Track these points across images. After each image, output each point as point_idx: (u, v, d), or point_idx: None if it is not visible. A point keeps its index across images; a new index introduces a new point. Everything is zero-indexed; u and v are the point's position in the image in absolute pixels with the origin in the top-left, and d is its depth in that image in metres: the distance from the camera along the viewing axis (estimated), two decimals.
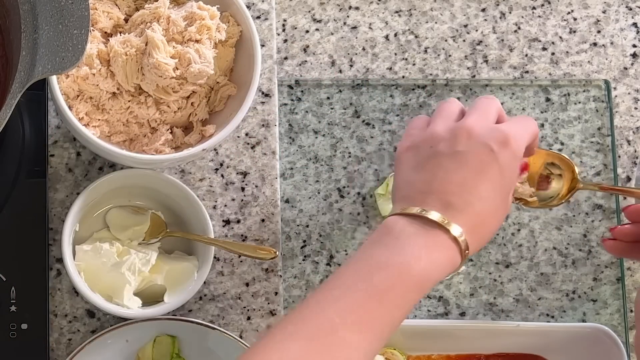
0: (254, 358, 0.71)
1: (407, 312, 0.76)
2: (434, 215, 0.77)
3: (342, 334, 0.72)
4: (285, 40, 1.02)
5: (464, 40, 1.03)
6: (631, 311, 0.99)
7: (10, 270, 0.92)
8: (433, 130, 0.83)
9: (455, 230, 0.77)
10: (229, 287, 0.95)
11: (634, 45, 1.04)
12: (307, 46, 1.03)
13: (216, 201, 0.96)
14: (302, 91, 1.01)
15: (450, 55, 1.03)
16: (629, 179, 1.02)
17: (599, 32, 1.04)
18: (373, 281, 0.74)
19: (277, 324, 0.76)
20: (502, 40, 1.04)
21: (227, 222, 0.96)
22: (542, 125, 1.01)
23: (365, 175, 1.00)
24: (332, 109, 1.01)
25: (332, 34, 1.03)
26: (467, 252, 0.78)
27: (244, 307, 0.95)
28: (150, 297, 0.92)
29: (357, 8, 1.03)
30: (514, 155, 0.80)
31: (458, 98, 1.01)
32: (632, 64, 1.04)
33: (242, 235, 0.96)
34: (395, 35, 1.03)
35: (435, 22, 1.04)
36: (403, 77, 1.02)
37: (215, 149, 0.97)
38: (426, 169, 0.81)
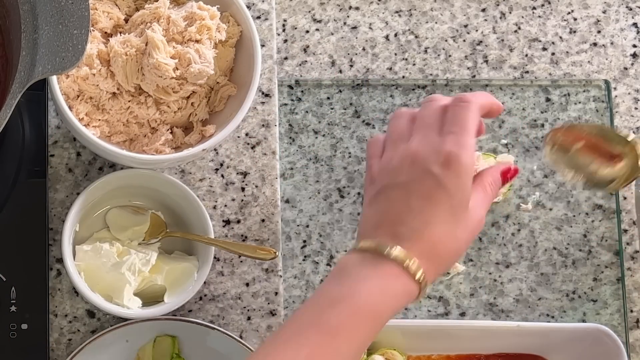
0: None
1: (362, 345, 0.76)
2: (382, 248, 0.78)
3: None
4: (286, 41, 1.02)
5: (464, 40, 1.03)
6: (631, 311, 0.99)
7: (10, 270, 0.92)
8: (383, 161, 0.83)
9: (400, 256, 0.77)
10: (229, 287, 0.95)
11: (634, 45, 1.04)
12: (307, 46, 1.03)
13: (216, 201, 0.96)
14: (302, 91, 1.01)
15: (450, 55, 1.03)
16: None
17: (599, 32, 1.04)
18: (324, 318, 0.75)
19: None
20: (502, 40, 1.04)
21: (227, 222, 0.96)
22: (542, 125, 1.01)
23: (365, 175, 1.00)
24: (332, 109, 1.01)
25: (332, 34, 1.03)
26: (423, 279, 0.78)
27: (244, 307, 0.95)
28: (150, 297, 0.92)
29: (357, 8, 1.03)
30: (458, 173, 0.79)
31: None
32: (632, 64, 1.04)
33: (242, 235, 0.96)
34: (396, 35, 1.03)
35: (436, 22, 1.04)
36: (403, 77, 1.02)
37: (215, 149, 0.97)
38: (377, 202, 0.81)
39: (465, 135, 0.81)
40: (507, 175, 0.86)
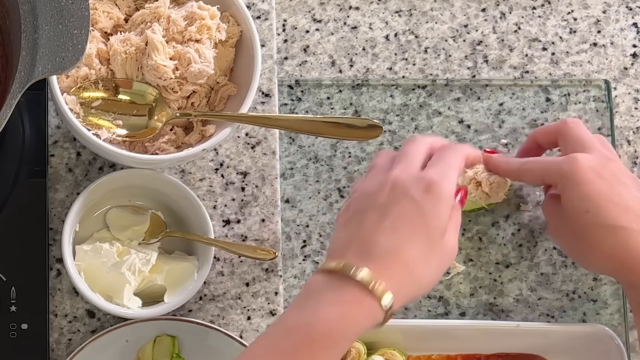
0: None
1: None
2: (348, 269, 0.75)
3: None
4: (286, 40, 1.02)
5: (464, 40, 1.03)
6: (631, 311, 0.99)
7: (10, 270, 0.92)
8: (362, 187, 0.82)
9: (366, 278, 0.75)
10: (229, 287, 0.95)
11: (634, 45, 1.04)
12: (307, 46, 1.03)
13: (216, 201, 0.96)
14: (302, 91, 1.01)
15: (450, 55, 1.03)
16: None
17: (599, 32, 1.04)
18: (281, 346, 0.74)
19: None
20: (502, 40, 1.04)
21: (227, 222, 0.96)
22: (542, 125, 1.01)
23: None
24: (332, 109, 1.01)
25: (332, 34, 1.03)
26: (389, 303, 0.75)
27: (244, 307, 0.95)
28: (150, 297, 0.92)
29: (357, 8, 1.03)
30: (438, 199, 0.79)
31: (458, 98, 1.01)
32: (632, 64, 1.04)
33: (242, 235, 0.96)
34: (396, 35, 1.03)
35: (436, 22, 1.04)
36: (403, 77, 1.02)
37: (215, 149, 0.97)
38: (351, 224, 0.80)
39: (449, 168, 0.81)
40: (462, 199, 0.85)
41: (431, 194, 0.79)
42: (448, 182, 0.80)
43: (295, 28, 1.03)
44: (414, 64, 1.03)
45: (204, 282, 0.92)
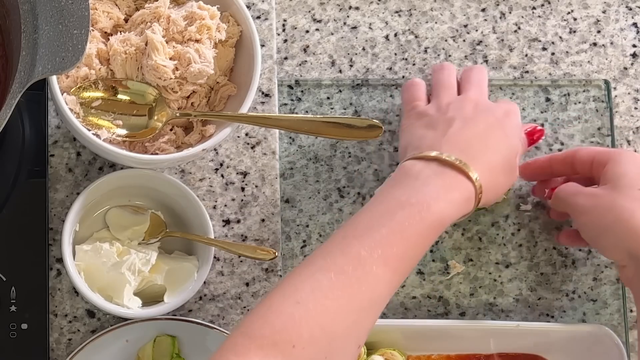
0: (287, 289, 0.76)
1: (426, 248, 0.81)
2: (451, 157, 0.84)
3: (369, 267, 0.77)
4: (285, 40, 1.02)
5: (464, 40, 1.03)
6: (631, 311, 0.99)
7: (10, 270, 0.92)
8: (440, 100, 0.92)
9: (471, 171, 0.83)
10: (229, 287, 0.95)
11: (634, 45, 1.04)
12: (307, 46, 1.03)
13: (216, 201, 0.96)
14: (302, 91, 1.01)
15: (450, 55, 1.03)
16: None
17: (599, 32, 1.04)
18: (395, 219, 0.80)
19: (306, 258, 0.79)
20: (502, 40, 1.04)
21: (227, 222, 0.96)
22: (542, 125, 1.01)
23: (365, 175, 1.00)
24: (332, 109, 1.01)
25: (332, 34, 1.03)
26: (480, 195, 0.84)
27: (244, 307, 0.95)
28: (150, 297, 0.92)
29: (357, 8, 1.03)
30: (514, 124, 0.91)
31: None
32: (632, 64, 1.04)
33: (242, 235, 0.96)
34: (395, 35, 1.03)
35: (435, 22, 1.04)
36: (403, 77, 1.02)
37: (215, 149, 0.97)
38: (438, 128, 0.88)
39: (516, 110, 0.93)
40: (533, 137, 0.96)
41: (509, 117, 0.91)
42: (518, 115, 0.93)
43: (295, 28, 1.03)
44: (414, 64, 1.03)
45: (204, 282, 0.92)
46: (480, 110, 0.90)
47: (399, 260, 0.79)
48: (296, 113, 1.01)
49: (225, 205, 0.96)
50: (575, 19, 1.04)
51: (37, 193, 0.94)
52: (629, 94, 1.03)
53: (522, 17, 1.04)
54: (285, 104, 1.01)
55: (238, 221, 0.96)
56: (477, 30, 1.04)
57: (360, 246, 0.78)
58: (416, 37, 1.03)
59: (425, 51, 1.03)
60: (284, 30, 1.03)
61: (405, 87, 0.97)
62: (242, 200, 0.97)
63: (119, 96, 0.88)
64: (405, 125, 0.92)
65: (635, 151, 1.02)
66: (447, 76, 0.95)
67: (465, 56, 1.03)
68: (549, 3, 1.05)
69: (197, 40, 0.88)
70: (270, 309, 0.75)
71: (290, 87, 1.01)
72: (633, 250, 0.87)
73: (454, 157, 0.84)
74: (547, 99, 1.02)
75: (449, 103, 0.92)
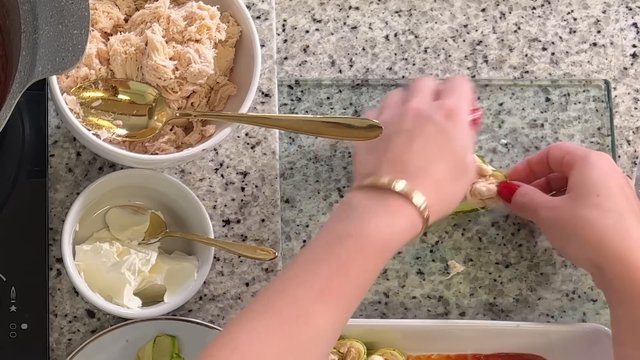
0: (225, 336, 0.75)
1: (371, 279, 0.79)
2: (384, 180, 0.81)
3: (306, 306, 0.76)
4: (285, 40, 1.02)
5: (464, 40, 1.03)
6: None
7: (10, 270, 0.92)
8: (381, 118, 0.89)
9: (405, 189, 0.81)
10: (229, 287, 0.95)
11: (634, 45, 1.04)
12: (307, 46, 1.03)
13: (216, 201, 0.96)
14: (302, 91, 1.01)
15: (450, 55, 1.03)
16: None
17: (599, 32, 1.04)
18: (334, 253, 0.78)
19: (246, 306, 0.79)
20: (502, 40, 1.04)
21: (227, 222, 0.96)
22: (542, 125, 1.01)
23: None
24: (332, 109, 1.01)
25: (332, 34, 1.03)
26: (427, 212, 0.81)
27: (244, 307, 0.95)
28: (150, 297, 0.92)
29: (357, 8, 1.03)
30: (459, 123, 0.87)
31: None
32: (632, 64, 1.04)
33: (242, 235, 0.96)
34: (395, 35, 1.03)
35: (435, 22, 1.04)
36: (403, 77, 1.02)
37: (215, 149, 0.97)
38: (378, 148, 0.86)
39: (464, 98, 0.89)
40: (476, 124, 0.91)
41: (452, 119, 0.87)
42: (465, 109, 0.88)
43: (295, 28, 1.03)
44: (413, 64, 1.03)
45: (204, 282, 0.92)
46: (420, 120, 0.86)
47: (341, 294, 0.77)
48: (296, 113, 1.01)
49: (225, 205, 0.96)
50: (575, 19, 1.04)
51: (37, 193, 0.94)
52: (629, 94, 1.03)
53: (522, 17, 1.04)
54: (285, 104, 1.01)
55: (238, 221, 0.96)
56: (477, 31, 1.04)
57: (297, 286, 0.77)
58: (416, 37, 1.03)
59: (425, 51, 1.03)
60: (284, 30, 1.03)
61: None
62: (242, 200, 0.97)
63: (119, 96, 0.88)
64: (353, 154, 0.90)
65: (635, 151, 1.02)
66: (394, 95, 0.92)
67: (465, 56, 1.03)
68: (549, 3, 1.05)
69: (197, 40, 0.88)
70: (211, 357, 0.75)
71: (290, 87, 1.01)
72: (595, 260, 0.87)
73: (394, 182, 0.81)
74: (547, 99, 1.02)
75: (390, 117, 0.89)
